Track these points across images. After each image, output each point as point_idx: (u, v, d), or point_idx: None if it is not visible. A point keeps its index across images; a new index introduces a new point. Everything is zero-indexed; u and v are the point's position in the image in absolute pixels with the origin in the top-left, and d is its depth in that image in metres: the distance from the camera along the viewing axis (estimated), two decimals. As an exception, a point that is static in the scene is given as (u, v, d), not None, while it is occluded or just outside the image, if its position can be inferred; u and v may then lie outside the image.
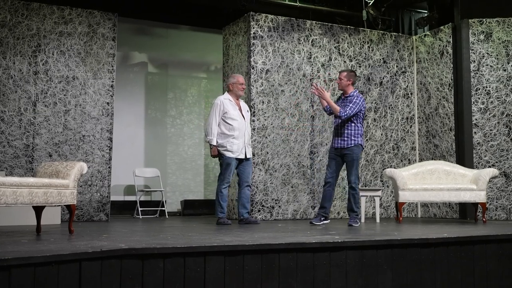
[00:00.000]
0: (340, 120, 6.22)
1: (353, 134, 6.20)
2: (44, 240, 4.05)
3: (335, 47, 8.37)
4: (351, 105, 6.14)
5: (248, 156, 6.41)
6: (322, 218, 6.29)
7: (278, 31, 7.97)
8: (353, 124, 6.21)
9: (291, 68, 8.01)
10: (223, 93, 7.14)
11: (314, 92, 6.32)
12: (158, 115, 9.41)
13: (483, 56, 8.05)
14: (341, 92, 6.45)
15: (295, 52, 8.07)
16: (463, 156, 7.97)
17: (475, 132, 7.94)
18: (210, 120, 6.36)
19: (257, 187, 7.60)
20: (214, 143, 6.29)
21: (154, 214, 8.57)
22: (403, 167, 8.25)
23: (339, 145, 6.24)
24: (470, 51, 8.07)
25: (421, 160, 8.57)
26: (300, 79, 8.07)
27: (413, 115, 8.80)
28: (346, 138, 6.20)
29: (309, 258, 3.70)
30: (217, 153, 6.31)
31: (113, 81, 7.43)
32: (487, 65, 8.03)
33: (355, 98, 6.20)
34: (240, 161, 6.37)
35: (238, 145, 6.30)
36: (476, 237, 4.41)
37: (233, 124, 6.30)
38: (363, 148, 6.39)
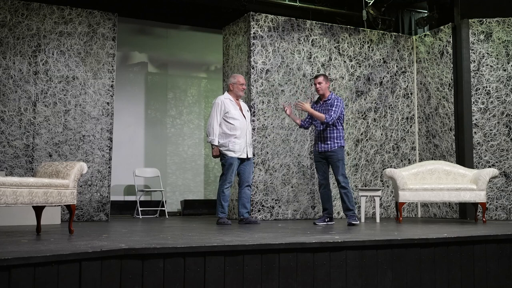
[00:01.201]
0: (323, 126, 6.28)
1: (335, 137, 6.30)
2: (44, 240, 4.05)
3: (335, 47, 8.37)
4: (334, 108, 6.21)
5: (249, 156, 6.41)
6: (326, 219, 6.33)
7: (278, 31, 7.97)
8: (335, 128, 6.30)
9: (291, 68, 8.01)
10: (223, 93, 7.14)
11: (287, 110, 6.27)
12: (158, 115, 9.41)
13: (483, 56, 8.05)
14: (317, 96, 6.49)
15: (295, 52, 8.07)
16: (463, 156, 7.97)
17: (475, 132, 7.93)
18: (211, 120, 6.34)
19: (257, 187, 7.60)
20: (216, 143, 6.28)
21: (154, 214, 8.57)
22: (403, 167, 8.25)
23: (323, 149, 6.33)
24: (470, 51, 8.07)
25: (421, 160, 8.57)
26: (300, 79, 8.07)
27: (413, 115, 8.80)
28: (329, 142, 6.29)
29: (309, 258, 3.70)
30: (219, 153, 6.30)
31: (113, 81, 7.43)
32: (487, 65, 8.03)
33: (335, 101, 6.28)
34: (241, 161, 6.36)
35: (240, 145, 6.29)
36: (476, 237, 4.40)
37: (235, 124, 6.29)
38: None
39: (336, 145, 6.27)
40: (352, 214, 6.22)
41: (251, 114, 7.55)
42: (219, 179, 6.41)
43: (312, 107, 6.36)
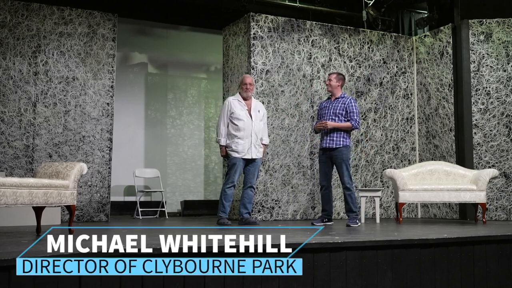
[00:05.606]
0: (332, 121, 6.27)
1: (342, 134, 6.24)
2: (44, 240, 4.04)
3: (335, 48, 8.37)
4: (354, 110, 6.24)
5: (254, 157, 6.36)
6: (324, 220, 6.31)
7: (278, 32, 7.97)
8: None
9: (291, 68, 8.01)
10: (223, 94, 7.16)
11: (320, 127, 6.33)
12: (158, 115, 9.41)
13: (483, 56, 8.05)
14: (330, 94, 6.49)
15: (295, 52, 8.07)
16: (463, 156, 7.97)
17: (475, 133, 7.93)
18: (218, 121, 6.45)
19: (257, 188, 7.59)
20: (222, 143, 6.34)
21: (154, 215, 8.57)
22: (403, 167, 8.25)
23: (327, 145, 6.26)
24: (470, 51, 8.07)
25: (421, 160, 8.57)
26: (300, 79, 8.07)
27: (413, 116, 8.80)
28: (335, 138, 6.23)
29: (309, 258, 3.70)
30: (225, 153, 6.36)
31: (113, 82, 7.43)
32: (487, 65, 8.03)
33: (350, 101, 6.29)
34: (247, 161, 6.37)
35: (244, 146, 6.29)
36: (476, 238, 4.41)
37: (239, 125, 6.30)
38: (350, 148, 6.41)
39: (341, 142, 6.20)
40: (354, 216, 6.20)
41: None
42: (224, 178, 6.43)
43: (322, 104, 6.47)
